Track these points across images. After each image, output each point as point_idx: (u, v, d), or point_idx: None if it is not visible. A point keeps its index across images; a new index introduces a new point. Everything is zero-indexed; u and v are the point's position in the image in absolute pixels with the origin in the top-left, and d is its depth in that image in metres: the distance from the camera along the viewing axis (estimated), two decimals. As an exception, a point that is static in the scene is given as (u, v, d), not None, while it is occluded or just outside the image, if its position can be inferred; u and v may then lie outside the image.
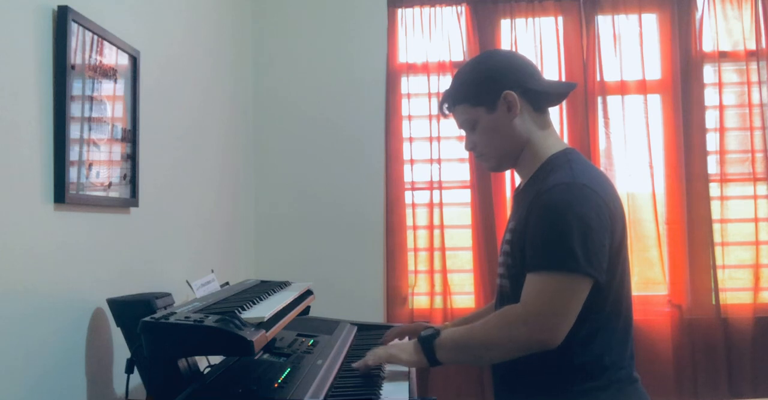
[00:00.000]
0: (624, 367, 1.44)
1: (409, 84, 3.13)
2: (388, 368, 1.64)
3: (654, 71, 3.14)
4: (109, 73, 1.66)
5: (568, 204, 1.36)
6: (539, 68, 1.60)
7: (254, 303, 1.53)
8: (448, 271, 3.07)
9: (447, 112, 1.60)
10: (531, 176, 1.51)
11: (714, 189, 3.06)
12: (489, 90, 1.49)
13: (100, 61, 1.62)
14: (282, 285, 1.91)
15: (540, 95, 1.51)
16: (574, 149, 1.54)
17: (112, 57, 1.68)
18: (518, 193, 1.57)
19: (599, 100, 3.09)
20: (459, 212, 3.13)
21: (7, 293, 1.27)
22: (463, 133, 1.60)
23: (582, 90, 3.06)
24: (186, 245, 2.23)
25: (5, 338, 1.27)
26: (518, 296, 1.41)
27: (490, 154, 1.55)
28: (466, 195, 3.11)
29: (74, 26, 1.48)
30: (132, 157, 1.80)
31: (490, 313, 1.75)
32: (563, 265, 1.33)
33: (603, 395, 1.40)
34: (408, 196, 3.11)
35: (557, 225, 1.35)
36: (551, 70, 3.09)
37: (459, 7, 3.12)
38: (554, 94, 1.54)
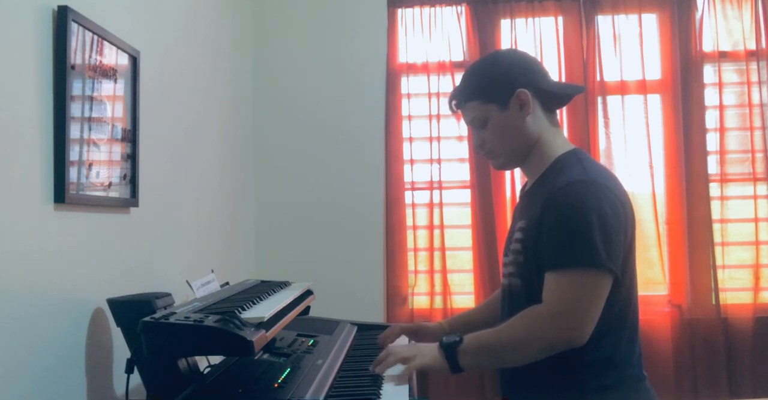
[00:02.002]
0: (633, 365, 1.45)
1: (409, 84, 3.12)
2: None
3: (654, 71, 3.14)
4: (109, 73, 1.66)
5: (586, 201, 1.36)
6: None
7: (254, 303, 1.53)
8: (448, 271, 3.07)
9: (456, 108, 1.59)
10: (539, 176, 1.51)
11: (714, 189, 3.06)
12: (502, 87, 1.49)
13: (100, 61, 1.62)
14: (282, 285, 1.91)
15: (550, 96, 1.52)
16: (582, 150, 1.54)
17: (112, 57, 1.68)
18: (525, 193, 1.57)
19: (599, 100, 3.09)
20: (459, 212, 3.13)
21: (7, 292, 1.27)
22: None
23: (582, 90, 3.06)
24: (186, 245, 2.23)
25: (5, 338, 1.27)
26: (530, 293, 1.42)
27: (498, 152, 1.55)
28: (466, 195, 3.11)
29: (74, 26, 1.47)
30: (132, 157, 1.80)
31: (486, 311, 1.76)
32: (585, 261, 1.33)
33: (613, 393, 1.40)
34: (408, 196, 3.11)
35: (577, 222, 1.34)
36: (551, 70, 3.08)
37: (459, 7, 3.12)
38: (562, 95, 1.55)
